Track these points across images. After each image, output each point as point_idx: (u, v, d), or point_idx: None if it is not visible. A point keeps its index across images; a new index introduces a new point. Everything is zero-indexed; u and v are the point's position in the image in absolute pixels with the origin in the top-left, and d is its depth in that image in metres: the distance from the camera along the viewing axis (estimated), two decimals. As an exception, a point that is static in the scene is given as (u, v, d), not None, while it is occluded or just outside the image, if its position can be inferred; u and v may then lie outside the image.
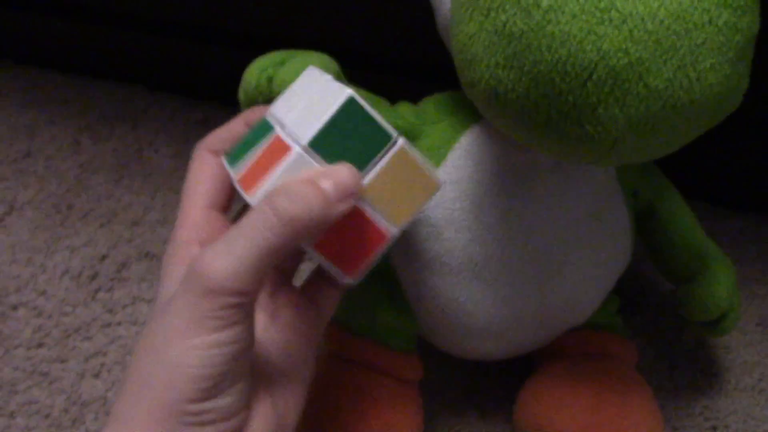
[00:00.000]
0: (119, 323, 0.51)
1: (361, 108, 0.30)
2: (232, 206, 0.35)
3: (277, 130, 0.31)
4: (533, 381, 0.43)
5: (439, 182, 0.33)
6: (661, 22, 0.26)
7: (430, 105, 0.39)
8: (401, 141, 0.31)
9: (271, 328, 0.33)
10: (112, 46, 0.63)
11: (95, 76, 0.66)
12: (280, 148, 0.31)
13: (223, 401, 0.28)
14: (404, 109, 0.39)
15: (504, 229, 0.37)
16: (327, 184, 0.29)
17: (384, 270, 0.40)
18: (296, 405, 0.33)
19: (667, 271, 0.43)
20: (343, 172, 0.30)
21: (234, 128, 0.35)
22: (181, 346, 0.28)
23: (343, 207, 0.30)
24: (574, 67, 0.27)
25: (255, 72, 0.36)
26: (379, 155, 0.31)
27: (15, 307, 0.52)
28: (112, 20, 0.61)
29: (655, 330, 0.50)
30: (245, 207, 0.35)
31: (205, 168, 0.34)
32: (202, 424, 0.28)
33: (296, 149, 0.30)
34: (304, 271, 0.37)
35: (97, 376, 0.49)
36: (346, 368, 0.42)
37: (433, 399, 0.46)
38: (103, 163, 0.60)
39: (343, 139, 0.30)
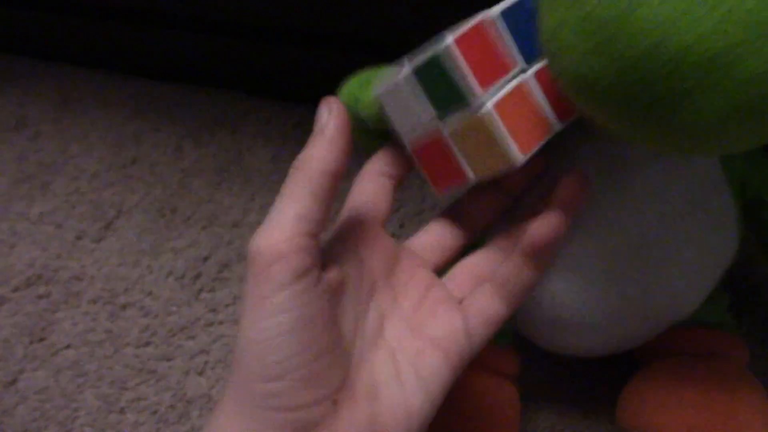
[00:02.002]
0: (221, 322, 0.53)
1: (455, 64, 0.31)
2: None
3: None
4: (637, 380, 0.42)
5: (515, 161, 0.32)
6: (761, 1, 0.25)
7: None
8: (486, 109, 0.31)
9: (402, 330, 0.33)
10: (211, 54, 0.65)
11: (196, 84, 0.68)
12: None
13: (290, 385, 0.27)
14: None
15: (599, 221, 0.36)
16: (315, 128, 0.30)
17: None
18: (412, 416, 0.31)
19: None
20: (320, 111, 0.31)
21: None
22: (244, 323, 0.28)
23: (331, 124, 0.30)
24: (665, 53, 0.26)
25: (344, 95, 0.38)
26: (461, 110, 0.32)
27: (124, 307, 0.54)
28: (212, 29, 0.63)
29: (769, 329, 0.48)
30: None
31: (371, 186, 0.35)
32: (273, 409, 0.27)
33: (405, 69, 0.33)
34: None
35: (201, 373, 0.50)
36: None
37: (534, 396, 0.46)
38: (204, 167, 0.62)
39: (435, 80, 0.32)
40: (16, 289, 0.56)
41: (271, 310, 0.27)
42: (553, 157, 0.36)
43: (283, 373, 0.27)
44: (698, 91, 0.26)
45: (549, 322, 0.39)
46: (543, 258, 0.33)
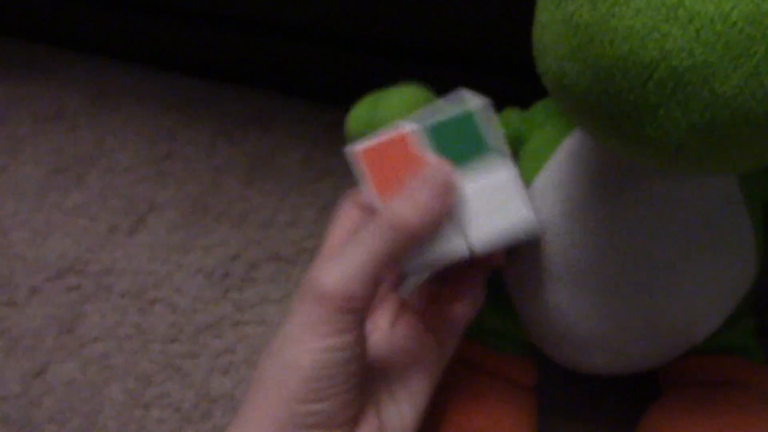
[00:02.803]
0: (248, 323, 0.53)
1: None
2: None
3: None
4: (654, 410, 0.41)
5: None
6: (734, 24, 0.24)
7: (539, 109, 0.39)
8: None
9: (388, 353, 0.35)
10: (248, 52, 0.66)
11: (232, 82, 0.68)
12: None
13: (331, 406, 0.29)
14: (510, 115, 0.40)
15: (606, 235, 0.36)
16: (425, 191, 0.31)
17: (491, 274, 0.40)
18: (407, 427, 0.34)
19: None
20: (438, 174, 0.32)
21: None
22: (296, 349, 0.29)
23: (447, 200, 0.31)
24: (635, 65, 0.26)
25: (354, 120, 0.38)
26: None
27: (152, 303, 0.55)
28: (248, 27, 0.63)
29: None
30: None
31: (346, 216, 0.36)
32: (311, 426, 0.29)
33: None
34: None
35: (225, 373, 0.50)
36: (456, 369, 0.42)
37: (557, 414, 0.45)
38: (236, 165, 0.62)
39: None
40: (47, 280, 0.57)
41: (329, 347, 0.29)
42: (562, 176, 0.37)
43: (327, 397, 0.29)
44: (665, 107, 0.26)
45: (558, 336, 0.39)
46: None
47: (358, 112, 0.38)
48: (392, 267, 0.31)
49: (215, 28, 0.65)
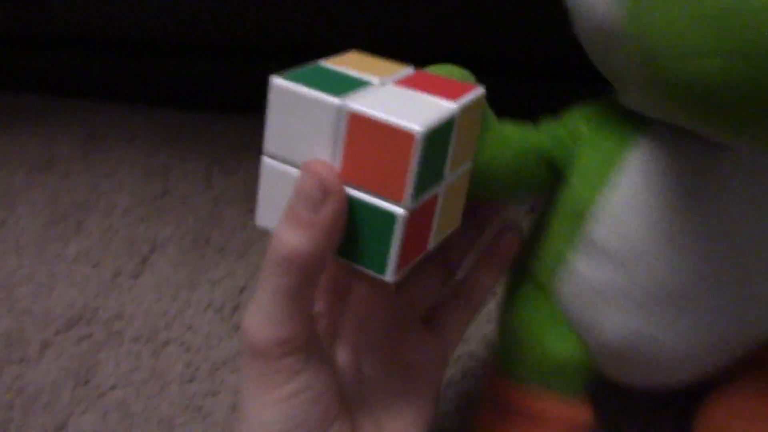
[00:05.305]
0: (263, 354, 0.52)
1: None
2: None
3: None
4: (721, 392, 0.38)
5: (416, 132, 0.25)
6: None
7: (578, 120, 0.34)
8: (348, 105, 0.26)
9: (390, 367, 0.32)
10: (233, 79, 0.65)
11: (220, 111, 0.68)
12: None
13: None
14: (552, 128, 0.35)
15: (700, 249, 0.31)
16: (298, 205, 0.25)
17: (546, 303, 0.37)
18: None
19: None
20: (312, 174, 0.25)
21: None
22: (254, 405, 0.27)
23: (326, 210, 0.25)
24: None
25: None
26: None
27: (166, 344, 0.54)
28: (232, 55, 0.63)
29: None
30: None
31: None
32: None
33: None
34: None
35: (247, 407, 0.50)
36: (504, 420, 0.38)
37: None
38: (234, 195, 0.62)
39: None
40: (57, 333, 0.56)
41: (285, 396, 0.27)
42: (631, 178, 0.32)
43: None
44: None
45: (643, 363, 0.35)
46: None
47: None
48: (310, 295, 0.27)
49: (198, 59, 0.65)
